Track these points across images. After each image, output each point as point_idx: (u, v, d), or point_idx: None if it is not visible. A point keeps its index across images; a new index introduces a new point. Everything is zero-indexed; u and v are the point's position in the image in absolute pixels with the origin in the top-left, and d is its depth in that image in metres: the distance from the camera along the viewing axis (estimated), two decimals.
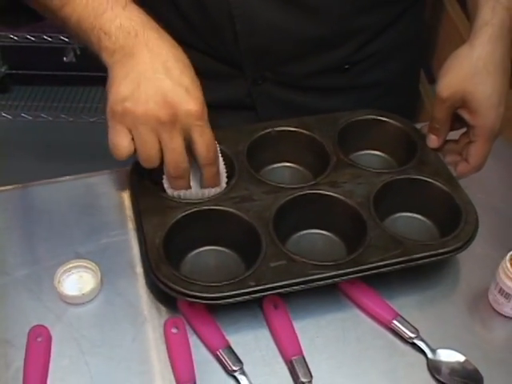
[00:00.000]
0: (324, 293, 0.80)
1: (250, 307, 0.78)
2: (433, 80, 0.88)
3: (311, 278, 0.75)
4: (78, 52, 2.33)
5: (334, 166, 0.88)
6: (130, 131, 0.74)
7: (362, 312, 0.80)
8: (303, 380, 0.71)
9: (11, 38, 2.23)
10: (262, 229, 0.79)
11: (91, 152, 2.05)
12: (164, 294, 0.75)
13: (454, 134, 0.91)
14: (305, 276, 0.75)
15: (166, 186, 0.82)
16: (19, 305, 0.79)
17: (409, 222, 0.88)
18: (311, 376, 0.72)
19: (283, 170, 0.94)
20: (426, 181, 0.87)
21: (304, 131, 0.93)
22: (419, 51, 1.21)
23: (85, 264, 0.82)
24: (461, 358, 0.75)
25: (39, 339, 0.74)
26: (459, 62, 0.86)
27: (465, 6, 0.95)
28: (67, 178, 0.95)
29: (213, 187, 0.82)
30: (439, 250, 0.79)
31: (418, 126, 0.95)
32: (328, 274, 0.75)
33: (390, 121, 0.95)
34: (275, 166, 0.94)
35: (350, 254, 0.79)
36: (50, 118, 2.44)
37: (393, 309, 0.79)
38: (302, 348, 0.75)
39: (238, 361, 0.73)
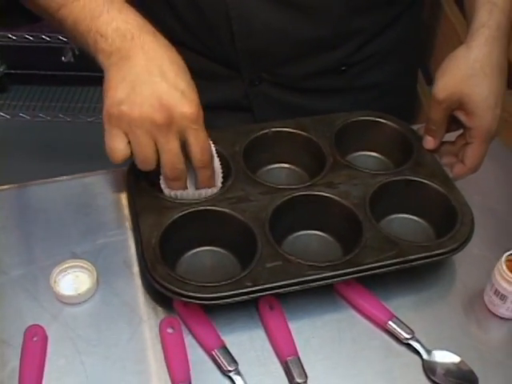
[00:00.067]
0: (320, 293, 0.80)
1: (246, 308, 0.79)
2: (431, 81, 0.88)
3: (307, 279, 0.75)
4: (77, 52, 2.33)
5: (331, 167, 0.89)
6: (127, 134, 0.74)
7: (358, 313, 0.80)
8: (298, 380, 0.71)
9: (9, 37, 2.23)
10: (258, 229, 0.79)
11: (89, 152, 2.04)
12: (160, 294, 0.75)
13: (451, 136, 0.91)
14: (300, 277, 0.75)
15: (163, 186, 0.82)
16: (15, 304, 0.79)
17: (405, 223, 0.88)
18: (306, 376, 0.72)
19: (280, 170, 0.94)
20: (422, 182, 0.87)
21: (301, 132, 0.93)
22: (417, 52, 1.21)
23: (81, 264, 0.82)
24: (456, 359, 0.75)
25: (35, 339, 0.74)
26: (456, 64, 0.86)
27: (463, 7, 0.95)
28: (64, 177, 0.95)
29: (208, 188, 0.83)
30: (435, 251, 0.79)
31: (415, 127, 0.96)
32: (323, 275, 0.75)
33: (387, 122, 0.96)
34: (272, 166, 0.94)
35: (346, 254, 0.79)
36: (48, 118, 2.44)
37: (388, 310, 0.79)
38: (298, 348, 0.75)
39: (233, 361, 0.73)
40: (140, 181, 0.85)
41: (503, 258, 0.78)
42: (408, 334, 0.76)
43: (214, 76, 1.05)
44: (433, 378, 0.73)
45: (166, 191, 0.82)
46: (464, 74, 0.85)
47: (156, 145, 0.75)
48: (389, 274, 0.78)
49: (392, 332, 0.77)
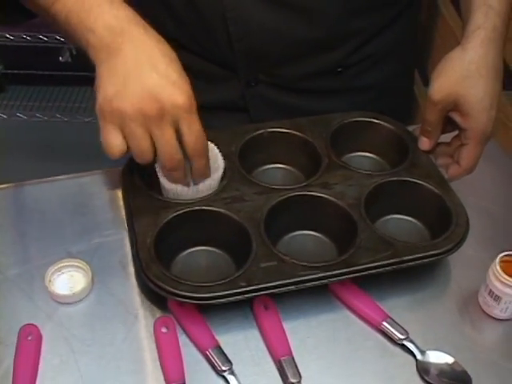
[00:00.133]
0: (315, 294, 0.80)
1: (241, 307, 0.79)
2: (428, 82, 0.88)
3: (301, 279, 0.75)
4: (74, 52, 2.33)
5: (326, 167, 0.89)
6: (121, 129, 0.74)
7: (353, 313, 0.80)
8: (292, 380, 0.71)
9: (7, 37, 2.23)
10: (252, 229, 0.79)
11: (86, 152, 2.04)
12: (155, 294, 0.75)
13: (446, 137, 0.91)
14: (295, 277, 0.75)
15: (163, 181, 0.82)
16: (10, 303, 0.79)
17: (400, 223, 0.88)
18: (300, 376, 0.72)
19: (275, 171, 0.94)
20: (418, 183, 0.87)
21: (296, 133, 0.93)
22: (414, 53, 1.21)
23: (76, 263, 0.82)
24: (450, 359, 0.75)
25: (29, 338, 0.74)
26: (451, 65, 0.86)
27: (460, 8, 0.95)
28: (59, 177, 0.96)
29: (203, 179, 0.82)
30: (430, 251, 0.79)
31: (411, 128, 0.96)
32: (318, 275, 0.75)
33: (382, 123, 0.96)
34: (267, 167, 0.94)
35: (341, 255, 0.79)
36: (45, 118, 2.44)
37: (383, 310, 0.79)
38: (293, 348, 0.75)
39: (228, 361, 0.73)
40: (135, 181, 0.85)
41: (497, 259, 0.78)
42: (402, 334, 0.77)
43: (210, 77, 1.06)
44: (426, 378, 0.73)
45: (167, 186, 0.82)
46: (459, 75, 0.85)
47: (152, 137, 0.75)
48: (384, 275, 0.78)
49: (386, 332, 0.77)
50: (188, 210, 0.81)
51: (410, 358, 0.76)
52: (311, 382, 0.73)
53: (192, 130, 0.76)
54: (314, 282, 0.75)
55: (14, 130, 2.45)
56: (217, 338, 0.76)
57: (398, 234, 0.83)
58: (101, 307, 0.79)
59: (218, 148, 0.86)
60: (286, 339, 0.75)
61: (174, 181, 0.81)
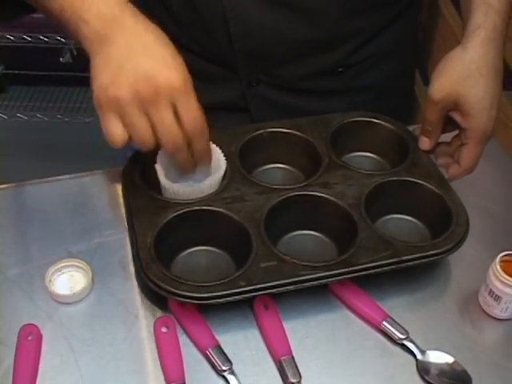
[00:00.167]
0: (315, 293, 0.80)
1: (241, 307, 0.79)
2: (428, 82, 0.88)
3: (301, 279, 0.75)
4: (75, 52, 2.33)
5: (326, 167, 0.89)
6: (121, 117, 0.73)
7: (353, 313, 0.80)
8: (292, 380, 0.71)
9: (8, 38, 2.23)
10: (253, 229, 0.79)
11: (86, 152, 2.05)
12: (155, 294, 0.75)
13: (446, 137, 0.91)
14: (295, 276, 0.75)
15: (162, 180, 0.82)
16: (11, 303, 0.79)
17: (400, 223, 0.88)
18: (300, 376, 0.72)
19: (275, 171, 0.94)
20: (418, 183, 0.87)
21: (296, 133, 0.93)
22: (414, 53, 1.21)
23: (76, 263, 0.82)
24: (450, 359, 0.75)
25: (30, 338, 0.75)
26: (452, 65, 0.86)
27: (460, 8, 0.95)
28: (60, 177, 0.96)
29: (205, 163, 0.81)
30: (430, 251, 0.79)
31: (411, 128, 0.96)
32: (318, 275, 0.75)
33: (383, 123, 0.96)
34: (267, 167, 0.94)
35: (341, 255, 0.79)
36: (46, 118, 2.44)
37: (383, 310, 0.79)
38: (292, 348, 0.75)
39: (228, 360, 0.73)
40: (135, 180, 0.85)
41: (498, 259, 0.78)
42: (402, 334, 0.77)
43: (211, 77, 1.05)
44: (427, 378, 0.73)
45: (167, 185, 0.82)
46: (460, 75, 0.85)
47: (151, 121, 0.74)
48: (384, 274, 0.79)
49: (386, 332, 0.77)
50: (188, 209, 0.81)
51: (410, 357, 0.76)
52: (311, 381, 0.73)
53: (189, 110, 0.75)
54: (313, 282, 0.76)
55: (15, 131, 2.45)
56: (217, 337, 0.76)
57: (398, 233, 0.83)
58: (101, 307, 0.79)
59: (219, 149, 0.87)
60: (286, 339, 0.75)
61: (179, 164, 0.79)
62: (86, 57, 0.77)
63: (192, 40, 1.02)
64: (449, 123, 0.89)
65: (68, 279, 0.81)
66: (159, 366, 0.74)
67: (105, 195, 0.93)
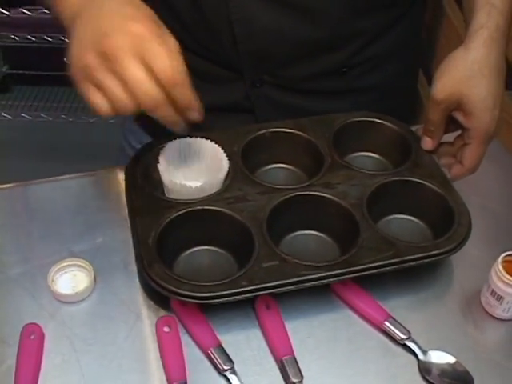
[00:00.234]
0: (316, 293, 0.80)
1: (242, 307, 0.79)
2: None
3: (303, 279, 0.75)
4: None
5: (329, 167, 0.89)
6: (96, 86, 0.71)
7: (354, 313, 0.80)
8: (294, 380, 0.71)
9: (12, 38, 2.24)
10: (255, 229, 0.79)
11: (91, 152, 2.05)
12: (157, 293, 0.75)
13: (449, 137, 0.91)
14: (297, 276, 0.75)
15: (165, 180, 0.82)
16: (13, 303, 0.79)
17: (402, 223, 0.88)
18: (302, 376, 0.72)
19: (278, 171, 0.94)
20: (420, 183, 0.87)
21: (299, 133, 0.93)
22: (418, 53, 1.21)
23: (78, 263, 0.82)
24: (451, 359, 0.75)
25: (32, 337, 0.75)
26: (454, 65, 0.86)
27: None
28: (63, 177, 0.96)
29: (192, 114, 0.75)
30: (432, 251, 0.79)
31: (414, 128, 0.96)
32: (320, 275, 0.75)
33: (385, 123, 0.96)
34: (270, 167, 0.94)
35: (343, 255, 0.79)
36: (50, 118, 2.44)
37: (385, 310, 0.79)
38: (294, 348, 0.75)
39: (229, 360, 0.73)
40: (138, 180, 0.85)
41: (500, 259, 0.78)
42: (404, 334, 0.77)
43: (215, 78, 1.05)
44: (428, 378, 0.73)
45: (170, 185, 0.82)
46: (462, 75, 0.85)
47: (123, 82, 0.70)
48: (386, 275, 0.78)
49: (388, 332, 0.77)
50: (190, 209, 0.81)
51: (412, 357, 0.76)
52: (312, 381, 0.73)
53: (158, 58, 0.69)
54: (315, 282, 0.76)
55: (19, 131, 2.45)
56: (219, 337, 0.76)
57: (401, 233, 0.83)
58: (103, 306, 0.80)
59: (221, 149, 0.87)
60: (288, 339, 0.75)
61: (165, 122, 0.74)
62: None
63: (196, 41, 1.02)
64: (451, 123, 0.89)
65: (70, 279, 0.81)
66: (161, 366, 0.74)
67: (108, 195, 0.93)
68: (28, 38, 2.23)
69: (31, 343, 0.74)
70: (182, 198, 0.83)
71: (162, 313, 0.79)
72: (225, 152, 0.87)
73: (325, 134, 0.93)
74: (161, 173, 0.83)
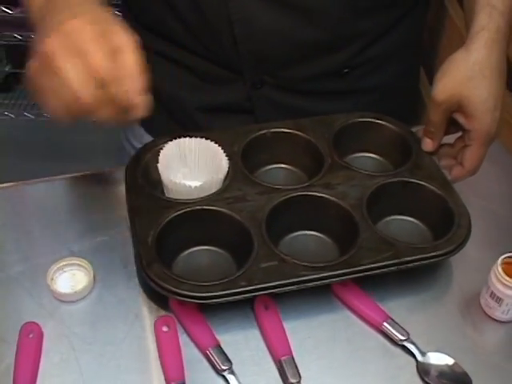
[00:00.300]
0: (315, 294, 0.80)
1: (241, 307, 0.79)
2: None
3: (302, 279, 0.75)
4: None
5: (329, 167, 0.88)
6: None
7: (353, 314, 0.80)
8: (292, 380, 0.71)
9: (15, 37, 2.24)
10: (254, 229, 0.79)
11: (93, 152, 2.06)
12: (156, 293, 0.75)
13: (450, 138, 0.91)
14: (295, 277, 0.75)
15: (164, 180, 0.82)
16: (12, 301, 0.80)
17: (402, 224, 0.88)
18: (300, 376, 0.72)
19: (278, 171, 0.94)
20: (420, 184, 0.87)
21: (299, 133, 0.93)
22: (420, 54, 1.21)
23: (78, 262, 0.82)
24: (450, 361, 0.75)
25: (31, 336, 0.75)
26: (455, 66, 0.86)
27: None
28: (63, 176, 0.96)
29: (133, 112, 0.69)
30: (431, 253, 0.79)
31: (414, 129, 0.96)
32: (319, 275, 0.75)
33: (386, 124, 0.96)
34: (270, 167, 0.94)
35: (343, 255, 0.79)
36: None
37: (383, 311, 0.79)
38: (293, 349, 0.75)
39: (228, 360, 0.73)
40: (138, 180, 0.85)
41: (499, 261, 0.78)
42: (403, 335, 0.76)
43: (216, 79, 1.05)
44: (426, 379, 0.73)
45: (170, 185, 0.82)
46: (463, 76, 0.85)
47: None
48: (385, 276, 0.78)
49: (387, 333, 0.77)
50: (190, 209, 0.81)
51: (411, 359, 0.76)
52: (311, 382, 0.73)
53: (92, 54, 0.65)
54: (314, 283, 0.75)
55: (22, 130, 2.45)
56: (217, 337, 0.76)
57: (400, 234, 0.83)
58: (102, 306, 0.80)
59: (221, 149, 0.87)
60: (287, 339, 0.75)
61: (119, 123, 0.70)
62: None
63: (197, 42, 1.02)
64: (452, 125, 0.89)
65: (70, 278, 0.81)
66: (159, 365, 0.74)
67: (107, 194, 0.93)
68: (31, 37, 2.22)
69: (30, 342, 0.74)
70: (182, 197, 0.83)
71: (161, 312, 0.79)
72: (225, 152, 0.87)
73: (325, 134, 0.93)
74: (160, 172, 0.83)
